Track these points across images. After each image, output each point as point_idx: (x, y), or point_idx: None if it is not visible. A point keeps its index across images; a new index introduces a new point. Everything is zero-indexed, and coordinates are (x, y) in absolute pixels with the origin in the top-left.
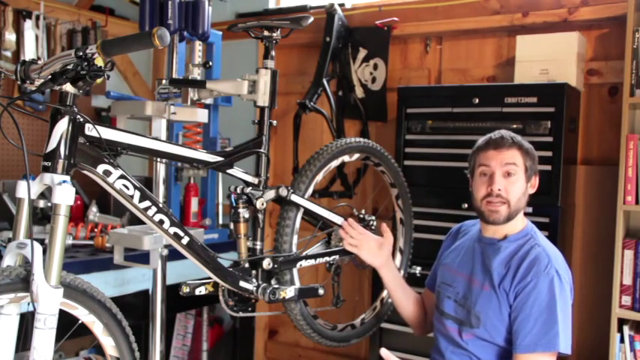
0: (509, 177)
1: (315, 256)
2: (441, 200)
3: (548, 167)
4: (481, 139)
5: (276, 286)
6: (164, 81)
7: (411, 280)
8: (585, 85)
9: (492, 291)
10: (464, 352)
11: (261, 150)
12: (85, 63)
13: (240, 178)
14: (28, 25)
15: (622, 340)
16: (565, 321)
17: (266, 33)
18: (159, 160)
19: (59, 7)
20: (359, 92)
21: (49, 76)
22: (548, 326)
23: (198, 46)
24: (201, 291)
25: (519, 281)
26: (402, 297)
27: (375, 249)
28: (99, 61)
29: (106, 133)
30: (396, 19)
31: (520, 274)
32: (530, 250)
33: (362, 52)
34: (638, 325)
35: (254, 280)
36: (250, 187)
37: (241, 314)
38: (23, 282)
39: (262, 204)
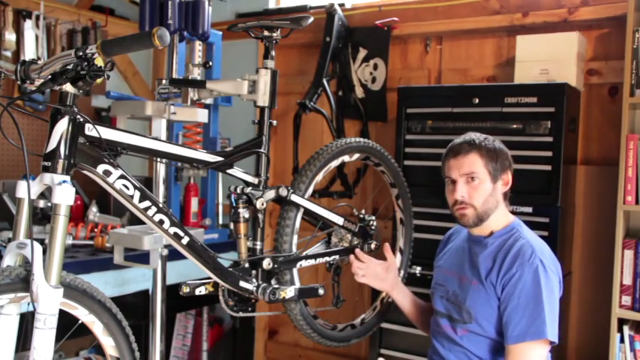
0: (472, 182)
1: (315, 256)
2: (441, 200)
3: (548, 167)
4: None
5: (276, 286)
6: (164, 81)
7: (411, 280)
8: (585, 85)
9: (480, 285)
10: (460, 349)
11: (261, 150)
12: (85, 63)
13: (240, 178)
14: (28, 25)
15: (622, 340)
16: (552, 309)
17: (266, 33)
18: (159, 160)
19: (59, 7)
20: (359, 92)
21: (49, 76)
22: (535, 315)
23: (198, 46)
24: (201, 291)
25: (505, 273)
26: (416, 313)
27: (382, 274)
28: (99, 61)
29: (106, 133)
30: (396, 19)
31: (505, 267)
32: (515, 243)
33: (362, 52)
34: (638, 325)
35: (254, 280)
36: (250, 187)
37: (241, 314)
38: (23, 282)
39: (262, 204)
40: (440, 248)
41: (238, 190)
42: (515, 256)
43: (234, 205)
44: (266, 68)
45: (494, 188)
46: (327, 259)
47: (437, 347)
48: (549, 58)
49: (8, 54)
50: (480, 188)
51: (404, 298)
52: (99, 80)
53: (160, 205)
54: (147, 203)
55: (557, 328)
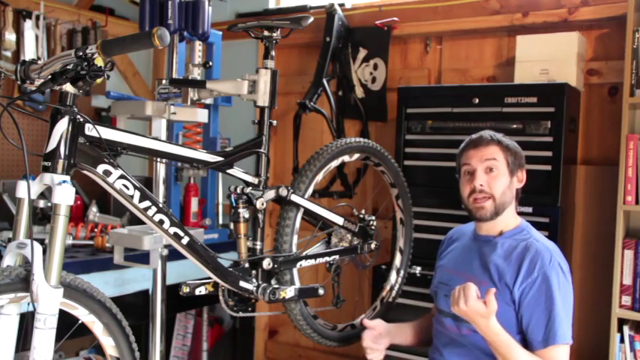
0: (490, 172)
1: (315, 256)
2: (441, 200)
3: (548, 167)
4: (464, 141)
5: (276, 286)
6: (164, 81)
7: (411, 280)
8: (585, 85)
9: (492, 286)
10: (462, 349)
11: (261, 150)
12: (85, 63)
13: (240, 178)
14: (28, 25)
15: (622, 340)
16: (570, 311)
17: (266, 33)
18: (159, 160)
19: (59, 7)
20: (359, 92)
21: (49, 76)
22: (560, 318)
23: (198, 46)
24: (201, 291)
25: (525, 278)
26: (419, 337)
27: (379, 342)
28: (99, 61)
29: (106, 133)
30: (396, 19)
31: (525, 271)
32: (530, 247)
33: (362, 52)
34: (638, 325)
35: (254, 280)
36: (250, 187)
37: (241, 314)
38: (23, 282)
39: (262, 204)
40: (441, 249)
41: (238, 190)
42: (534, 259)
43: (234, 205)
44: (266, 68)
45: (511, 182)
46: (327, 259)
47: (438, 347)
48: (549, 58)
49: (8, 54)
50: (499, 178)
51: (404, 336)
52: (99, 80)
53: (160, 205)
54: (147, 203)
55: (571, 329)
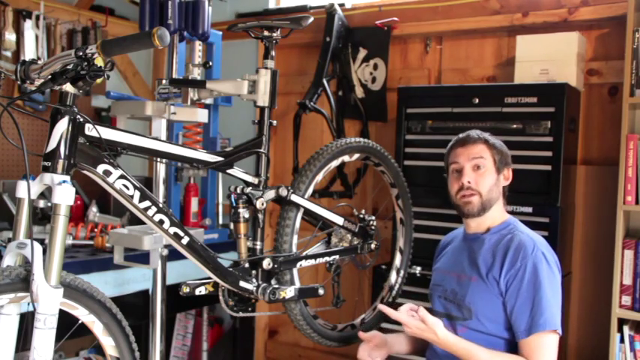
0: (478, 170)
1: (315, 256)
2: (441, 200)
3: (548, 167)
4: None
5: (276, 286)
6: (164, 81)
7: (411, 280)
8: (585, 85)
9: (481, 281)
10: None
11: (261, 150)
12: (85, 63)
13: (240, 178)
14: (28, 25)
15: (622, 340)
16: (557, 301)
17: (266, 33)
18: (159, 160)
19: (59, 7)
20: (359, 92)
21: (49, 76)
22: (543, 306)
23: (198, 46)
24: (201, 291)
25: (509, 269)
26: (415, 347)
27: (380, 350)
28: (99, 61)
29: (106, 133)
30: (396, 19)
31: (508, 262)
32: (514, 238)
33: (362, 52)
34: (638, 325)
35: (254, 280)
36: (250, 187)
37: (241, 314)
38: (23, 282)
39: (262, 204)
40: (437, 252)
41: (238, 190)
42: (518, 250)
43: (234, 205)
44: (266, 68)
45: (498, 179)
46: (327, 259)
47: (435, 348)
48: (549, 58)
49: (8, 54)
50: (485, 175)
51: (401, 346)
52: (99, 80)
53: (160, 205)
54: (147, 203)
55: (560, 318)
